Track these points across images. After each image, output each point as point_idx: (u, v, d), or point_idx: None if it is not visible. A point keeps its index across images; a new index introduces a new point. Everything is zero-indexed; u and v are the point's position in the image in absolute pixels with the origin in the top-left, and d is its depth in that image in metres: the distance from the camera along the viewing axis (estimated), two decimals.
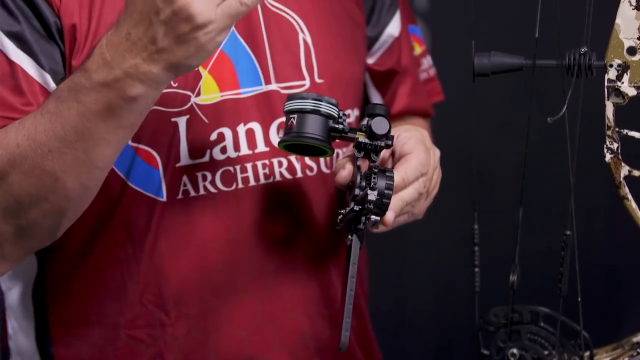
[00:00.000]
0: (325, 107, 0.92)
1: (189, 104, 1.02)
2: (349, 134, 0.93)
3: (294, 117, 0.92)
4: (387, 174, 0.92)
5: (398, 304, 2.23)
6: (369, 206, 0.90)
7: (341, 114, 0.94)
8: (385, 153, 1.00)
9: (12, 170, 0.90)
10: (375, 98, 1.23)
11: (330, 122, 0.93)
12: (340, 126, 0.93)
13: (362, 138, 0.93)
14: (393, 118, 1.23)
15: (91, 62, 0.87)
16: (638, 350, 0.93)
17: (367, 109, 0.93)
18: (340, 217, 0.93)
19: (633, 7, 0.84)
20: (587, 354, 0.93)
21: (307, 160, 1.08)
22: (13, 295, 1.12)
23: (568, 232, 0.89)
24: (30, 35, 0.96)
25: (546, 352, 0.93)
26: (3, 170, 0.90)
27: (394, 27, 1.22)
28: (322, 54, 1.09)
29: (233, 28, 1.03)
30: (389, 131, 0.92)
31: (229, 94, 1.04)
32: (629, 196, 0.89)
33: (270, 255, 1.08)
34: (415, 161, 0.97)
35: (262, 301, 1.08)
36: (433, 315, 2.22)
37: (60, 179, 0.90)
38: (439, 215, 2.05)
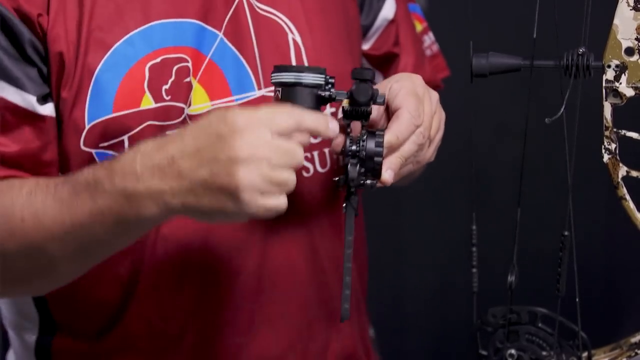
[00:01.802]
0: (308, 78, 0.91)
1: (184, 116, 1.01)
2: (338, 99, 0.92)
3: (279, 90, 0.92)
4: (376, 132, 0.92)
5: (396, 304, 2.23)
6: (359, 177, 0.90)
7: (328, 79, 0.92)
8: (380, 108, 0.97)
9: (10, 240, 0.91)
10: (378, 79, 1.22)
11: (316, 91, 0.92)
12: (327, 93, 0.92)
13: (346, 105, 0.92)
14: None
15: (120, 164, 0.85)
16: (636, 350, 0.93)
17: (352, 73, 0.91)
18: (336, 184, 0.93)
19: (631, 8, 0.84)
20: (585, 354, 0.93)
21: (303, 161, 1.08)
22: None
23: (566, 233, 0.89)
24: (9, 61, 0.93)
25: (544, 353, 0.93)
26: (1, 237, 0.91)
27: (388, 10, 1.20)
28: (313, 52, 1.08)
29: (222, 36, 1.03)
30: (372, 96, 0.91)
31: (220, 102, 1.03)
32: (627, 197, 0.89)
33: (267, 259, 1.07)
34: (407, 116, 0.94)
35: (260, 307, 1.07)
36: (431, 315, 2.22)
37: (56, 264, 0.92)
38: (437, 215, 2.06)
